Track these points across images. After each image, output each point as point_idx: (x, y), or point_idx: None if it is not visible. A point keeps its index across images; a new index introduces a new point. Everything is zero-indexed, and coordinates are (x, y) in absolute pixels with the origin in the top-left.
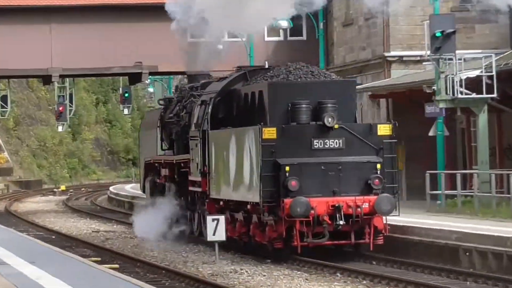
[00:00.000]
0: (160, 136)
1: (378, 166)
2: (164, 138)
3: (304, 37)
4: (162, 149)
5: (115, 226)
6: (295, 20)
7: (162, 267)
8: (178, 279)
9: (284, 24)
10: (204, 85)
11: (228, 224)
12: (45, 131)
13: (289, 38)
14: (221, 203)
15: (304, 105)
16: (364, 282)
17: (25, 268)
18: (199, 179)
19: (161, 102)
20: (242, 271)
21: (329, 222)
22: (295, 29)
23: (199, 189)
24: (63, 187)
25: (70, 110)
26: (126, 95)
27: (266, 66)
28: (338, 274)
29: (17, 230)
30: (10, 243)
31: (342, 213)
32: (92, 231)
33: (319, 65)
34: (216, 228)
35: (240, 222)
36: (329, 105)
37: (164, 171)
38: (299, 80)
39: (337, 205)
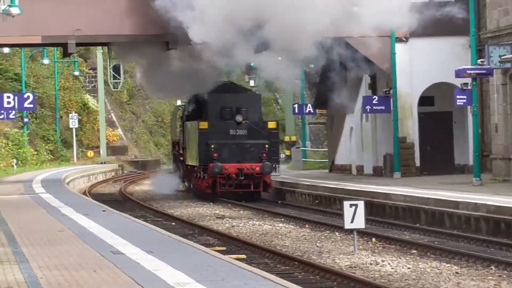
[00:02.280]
0: (179, 124)
1: (266, 146)
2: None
3: None
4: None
5: (241, 212)
6: None
7: (295, 258)
8: (312, 272)
9: None
10: None
11: (193, 179)
12: (163, 105)
13: (437, 0)
14: (189, 167)
15: (227, 109)
16: None
17: (142, 259)
18: (181, 152)
19: (184, 101)
20: (384, 262)
21: (235, 178)
22: None
23: (182, 158)
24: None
25: None
26: (252, 64)
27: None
28: (492, 267)
29: (133, 216)
30: (125, 230)
31: (243, 173)
32: (216, 217)
33: (469, 29)
34: (355, 215)
35: (196, 178)
36: (242, 109)
37: (177, 147)
38: (226, 93)
39: (240, 168)
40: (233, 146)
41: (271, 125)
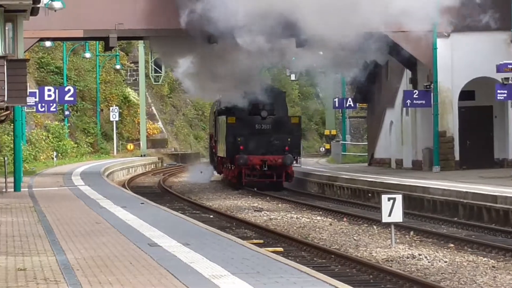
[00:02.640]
0: (213, 118)
1: (289, 139)
2: None
3: None
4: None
5: (279, 205)
6: None
7: (332, 251)
8: (349, 265)
9: None
10: None
11: (224, 170)
12: (205, 99)
13: None
14: (219, 158)
15: (254, 104)
16: None
17: (178, 251)
18: (214, 144)
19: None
20: (420, 256)
21: (259, 168)
22: None
23: (214, 150)
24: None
25: None
26: (294, 58)
27: None
28: None
29: (172, 208)
30: (163, 223)
31: (267, 164)
32: (254, 210)
33: (510, 24)
34: (393, 208)
35: (226, 169)
36: (267, 105)
37: (212, 139)
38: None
39: (264, 159)
40: (258, 139)
41: (294, 120)
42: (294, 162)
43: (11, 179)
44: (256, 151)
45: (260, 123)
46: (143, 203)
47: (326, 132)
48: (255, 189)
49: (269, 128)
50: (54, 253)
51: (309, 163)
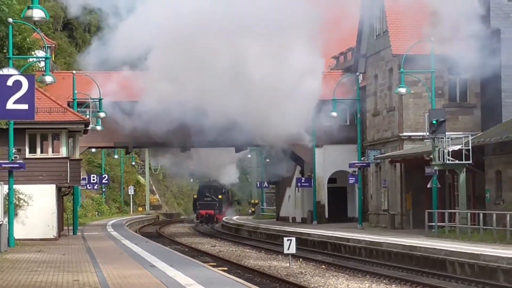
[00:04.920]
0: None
1: (217, 204)
2: None
3: (348, 123)
4: None
5: (225, 243)
6: (342, 112)
7: (255, 270)
8: (265, 278)
9: (335, 114)
10: None
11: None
12: (182, 182)
13: (339, 124)
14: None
15: (205, 190)
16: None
17: (167, 269)
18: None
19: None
20: (305, 273)
21: (204, 215)
22: (341, 118)
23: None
24: (194, 218)
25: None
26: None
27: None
28: (367, 276)
29: (163, 244)
30: (158, 253)
31: (208, 214)
32: (211, 246)
33: (357, 140)
34: (290, 245)
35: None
36: (211, 190)
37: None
38: (205, 185)
39: (207, 212)
40: (205, 203)
41: (220, 196)
42: (220, 213)
43: (71, 227)
44: (204, 208)
45: (206, 197)
46: (147, 241)
47: (253, 201)
48: (202, 223)
49: (210, 199)
50: (95, 270)
51: (242, 219)
